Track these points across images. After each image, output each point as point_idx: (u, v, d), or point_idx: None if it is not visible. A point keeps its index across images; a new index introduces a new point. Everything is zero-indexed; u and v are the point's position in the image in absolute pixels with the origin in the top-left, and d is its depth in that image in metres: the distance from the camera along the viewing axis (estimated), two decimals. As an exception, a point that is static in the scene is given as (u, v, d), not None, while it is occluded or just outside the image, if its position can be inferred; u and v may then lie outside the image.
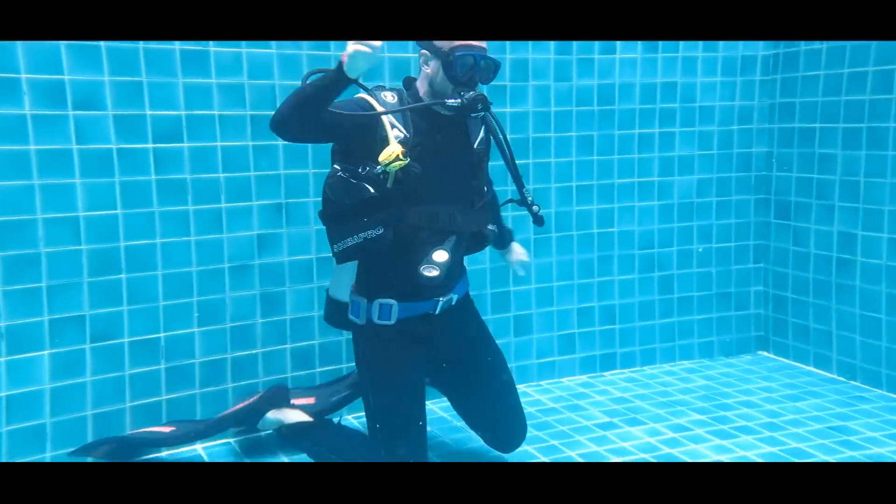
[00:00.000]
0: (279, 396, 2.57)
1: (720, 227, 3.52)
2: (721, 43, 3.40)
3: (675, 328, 3.48)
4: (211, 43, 2.60)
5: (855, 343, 3.20)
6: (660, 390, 3.15)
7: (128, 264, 2.57)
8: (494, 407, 2.34)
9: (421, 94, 2.08)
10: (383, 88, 2.08)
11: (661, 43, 3.31)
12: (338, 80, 1.85)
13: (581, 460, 2.50)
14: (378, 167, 1.92)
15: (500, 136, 2.14)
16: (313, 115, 1.89)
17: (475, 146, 2.16)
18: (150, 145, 2.56)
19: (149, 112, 2.54)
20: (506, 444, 2.39)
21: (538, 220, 2.19)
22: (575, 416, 2.89)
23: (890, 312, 3.07)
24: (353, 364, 2.90)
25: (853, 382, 3.20)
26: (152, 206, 2.59)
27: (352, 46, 1.82)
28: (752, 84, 3.49)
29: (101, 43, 2.43)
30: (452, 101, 1.98)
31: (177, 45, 2.55)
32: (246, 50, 2.66)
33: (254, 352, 2.80)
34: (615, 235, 3.34)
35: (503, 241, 2.46)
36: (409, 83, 2.17)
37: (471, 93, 1.97)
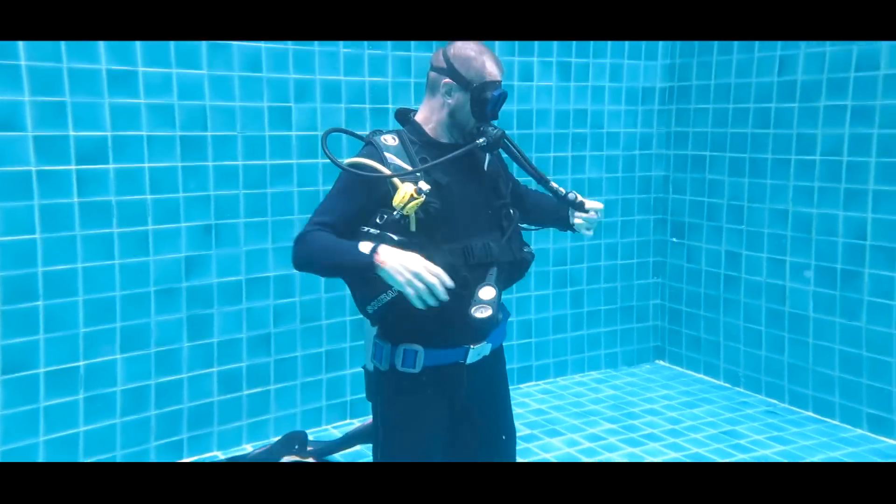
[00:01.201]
0: (296, 441, 2.49)
1: (624, 244, 3.80)
2: (624, 74, 3.66)
3: (585, 340, 3.72)
4: (139, 62, 2.51)
5: (739, 352, 3.57)
6: (573, 401, 3.37)
7: (46, 291, 2.45)
8: None
9: (427, 127, 1.91)
10: (380, 132, 1.90)
11: (573, 72, 3.52)
12: (364, 270, 1.76)
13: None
14: (395, 212, 1.77)
15: (513, 148, 1.96)
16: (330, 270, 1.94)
17: (485, 168, 1.99)
18: (73, 167, 2.44)
19: (72, 133, 2.42)
20: None
21: (578, 206, 2.00)
22: (499, 429, 3.04)
23: (769, 325, 3.44)
24: (283, 386, 2.94)
25: (737, 388, 3.56)
26: (74, 229, 2.47)
27: (408, 273, 1.68)
28: (652, 113, 3.78)
29: (22, 62, 2.29)
30: (481, 140, 1.85)
31: (103, 66, 2.44)
32: (176, 70, 2.59)
33: (179, 377, 2.74)
34: (532, 254, 3.52)
35: (564, 210, 2.08)
36: (405, 117, 1.96)
37: (493, 130, 1.86)
